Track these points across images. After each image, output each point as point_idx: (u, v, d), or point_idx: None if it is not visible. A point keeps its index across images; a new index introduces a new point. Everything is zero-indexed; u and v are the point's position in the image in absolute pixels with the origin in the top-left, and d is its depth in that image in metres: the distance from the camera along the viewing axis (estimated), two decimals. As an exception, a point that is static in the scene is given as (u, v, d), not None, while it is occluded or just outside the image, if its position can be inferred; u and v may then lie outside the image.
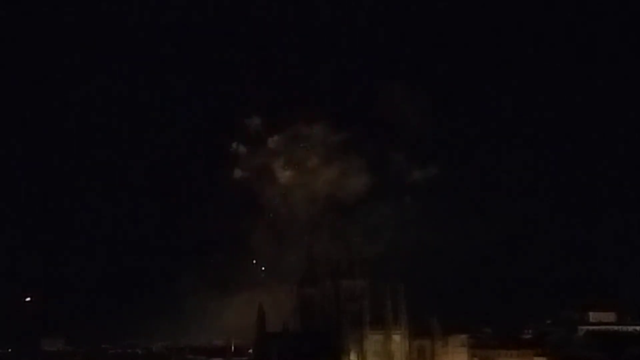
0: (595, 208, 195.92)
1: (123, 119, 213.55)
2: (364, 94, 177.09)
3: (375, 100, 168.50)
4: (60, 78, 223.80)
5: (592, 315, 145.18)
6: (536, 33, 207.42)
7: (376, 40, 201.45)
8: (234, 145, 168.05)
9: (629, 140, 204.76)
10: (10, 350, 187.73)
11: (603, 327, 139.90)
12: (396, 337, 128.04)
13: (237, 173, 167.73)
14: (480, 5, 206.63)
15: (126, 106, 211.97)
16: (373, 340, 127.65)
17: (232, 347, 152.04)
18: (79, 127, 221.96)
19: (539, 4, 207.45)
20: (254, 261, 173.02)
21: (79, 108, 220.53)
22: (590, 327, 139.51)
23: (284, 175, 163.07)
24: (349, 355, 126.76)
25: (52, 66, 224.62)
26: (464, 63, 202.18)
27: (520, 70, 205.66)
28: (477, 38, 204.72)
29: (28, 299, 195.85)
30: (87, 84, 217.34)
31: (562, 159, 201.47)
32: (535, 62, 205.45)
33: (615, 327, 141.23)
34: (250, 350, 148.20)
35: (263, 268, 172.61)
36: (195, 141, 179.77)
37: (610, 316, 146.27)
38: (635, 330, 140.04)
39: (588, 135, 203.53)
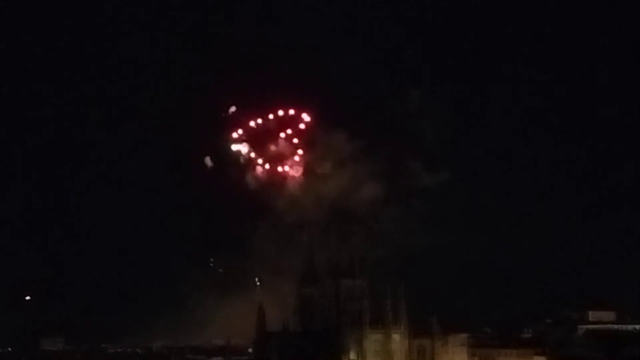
0: (595, 208, 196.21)
1: (124, 117, 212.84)
2: (380, 101, 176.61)
3: (391, 107, 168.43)
4: (56, 79, 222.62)
5: (592, 315, 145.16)
6: (552, 41, 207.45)
7: (393, 46, 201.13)
8: (243, 146, 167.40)
9: (630, 142, 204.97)
10: (10, 349, 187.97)
11: (603, 327, 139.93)
12: (396, 337, 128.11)
13: (247, 176, 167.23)
14: (498, 13, 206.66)
15: (127, 103, 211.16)
16: (373, 340, 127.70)
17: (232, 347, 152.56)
18: (79, 126, 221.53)
19: (558, 13, 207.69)
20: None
21: (81, 108, 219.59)
22: (590, 326, 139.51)
23: (294, 179, 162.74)
24: (348, 354, 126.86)
25: (54, 69, 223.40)
26: (478, 69, 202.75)
27: (533, 78, 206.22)
28: (492, 45, 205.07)
29: (28, 298, 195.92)
30: (82, 83, 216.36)
31: (564, 162, 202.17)
32: (549, 72, 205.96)
33: (615, 327, 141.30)
34: (250, 350, 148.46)
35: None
36: (202, 140, 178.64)
37: (610, 315, 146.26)
38: (635, 329, 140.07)
39: (590, 139, 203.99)
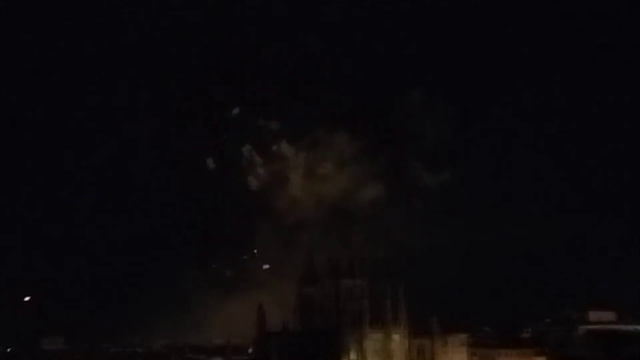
0: (596, 209, 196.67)
1: (125, 118, 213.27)
2: (382, 102, 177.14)
3: (392, 108, 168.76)
4: (64, 81, 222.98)
5: (592, 315, 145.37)
6: (552, 41, 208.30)
7: (395, 48, 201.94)
8: (247, 148, 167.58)
9: (630, 142, 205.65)
10: (10, 349, 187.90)
11: (603, 327, 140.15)
12: (396, 337, 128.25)
13: (250, 179, 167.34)
14: (498, 13, 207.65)
15: (127, 103, 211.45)
16: (373, 340, 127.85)
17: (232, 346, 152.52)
18: (82, 126, 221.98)
19: (558, 17, 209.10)
20: (255, 251, 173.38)
21: (82, 107, 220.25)
22: (590, 327, 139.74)
23: (297, 180, 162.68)
24: (348, 354, 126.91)
25: (56, 70, 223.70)
26: (478, 69, 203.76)
27: (533, 78, 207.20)
28: (494, 47, 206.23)
29: (28, 298, 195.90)
30: (83, 84, 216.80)
31: (565, 163, 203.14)
32: (548, 73, 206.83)
33: (615, 327, 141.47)
34: (250, 350, 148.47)
35: (267, 266, 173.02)
36: (204, 141, 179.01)
37: (610, 315, 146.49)
38: (635, 329, 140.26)
39: (591, 141, 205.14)
